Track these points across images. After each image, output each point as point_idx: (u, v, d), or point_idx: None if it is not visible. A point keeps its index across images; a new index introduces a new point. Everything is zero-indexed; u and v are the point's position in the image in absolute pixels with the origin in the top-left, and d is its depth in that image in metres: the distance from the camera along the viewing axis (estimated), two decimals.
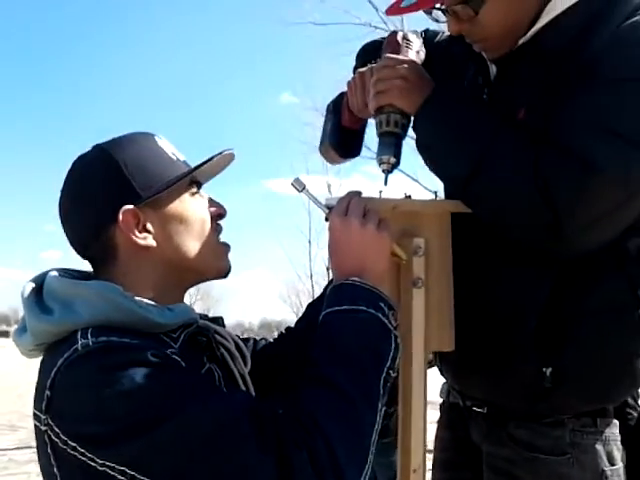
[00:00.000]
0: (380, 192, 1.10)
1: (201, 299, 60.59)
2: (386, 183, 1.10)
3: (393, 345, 0.89)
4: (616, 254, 1.01)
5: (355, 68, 1.31)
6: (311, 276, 24.10)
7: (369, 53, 1.22)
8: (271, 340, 1.23)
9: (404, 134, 1.09)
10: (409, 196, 1.24)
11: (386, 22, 9.16)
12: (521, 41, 1.05)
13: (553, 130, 0.95)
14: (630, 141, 0.89)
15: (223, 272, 1.00)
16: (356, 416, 0.81)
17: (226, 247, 1.02)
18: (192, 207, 0.96)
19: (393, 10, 1.06)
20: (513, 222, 0.98)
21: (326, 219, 1.00)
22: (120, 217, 0.89)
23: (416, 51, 1.16)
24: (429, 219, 1.09)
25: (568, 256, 0.99)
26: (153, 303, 0.89)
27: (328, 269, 22.02)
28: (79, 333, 0.82)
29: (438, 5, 1.05)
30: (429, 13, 1.09)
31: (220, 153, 0.97)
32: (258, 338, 1.21)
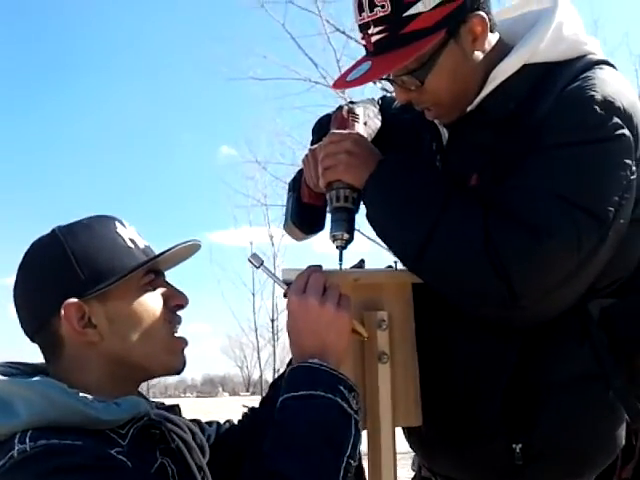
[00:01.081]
0: (340, 264, 1.08)
1: None
2: (341, 260, 1.07)
3: (353, 431, 0.85)
4: (579, 319, 1.00)
5: (312, 143, 1.31)
6: (255, 329, 23.71)
7: (324, 127, 1.21)
8: (235, 422, 1.18)
9: (356, 208, 1.08)
10: (363, 260, 1.23)
11: (325, 77, 9.39)
12: (469, 108, 1.06)
13: (502, 197, 0.96)
14: (578, 205, 0.91)
15: (175, 369, 0.95)
16: None
17: (182, 342, 0.96)
18: (143, 300, 0.91)
19: (339, 84, 1.06)
20: (466, 294, 0.97)
21: (285, 295, 0.96)
22: (62, 311, 0.86)
23: (363, 123, 1.16)
24: (391, 290, 1.07)
25: (526, 325, 0.98)
26: (98, 399, 0.83)
27: (273, 321, 21.82)
28: (17, 437, 0.78)
29: (385, 75, 1.06)
30: (377, 83, 1.10)
31: (182, 243, 0.95)
32: (222, 421, 1.16)
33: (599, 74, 0.98)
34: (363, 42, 1.04)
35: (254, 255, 0.98)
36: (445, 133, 1.14)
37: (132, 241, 0.93)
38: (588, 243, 0.91)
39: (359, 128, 1.14)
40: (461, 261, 0.94)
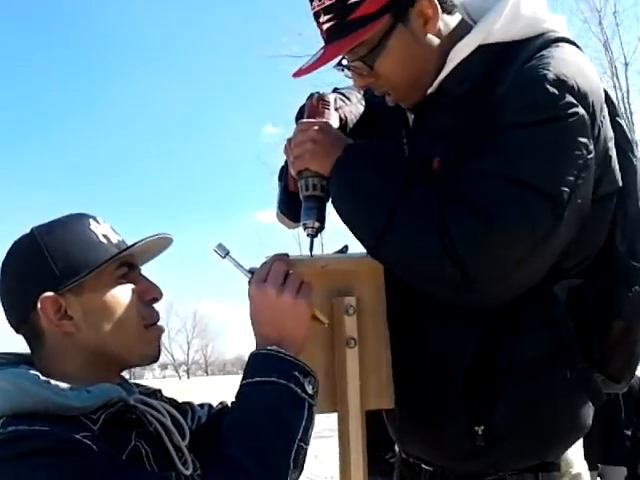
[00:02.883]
0: (311, 252, 1.09)
1: (197, 336, 60.44)
2: (311, 249, 1.09)
3: (305, 414, 0.88)
4: (542, 301, 0.99)
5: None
6: None
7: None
8: (229, 404, 1.21)
9: (326, 196, 1.08)
10: (346, 246, 1.24)
11: None
12: (429, 90, 1.05)
13: (458, 181, 0.95)
14: (530, 187, 0.89)
15: (148, 359, 0.99)
16: None
17: (156, 331, 1.00)
18: (116, 293, 0.96)
19: (298, 73, 1.07)
20: (423, 278, 0.97)
21: (249, 283, 0.99)
22: (39, 304, 0.91)
23: (335, 109, 1.16)
24: (361, 276, 1.08)
25: (486, 306, 0.98)
26: (70, 386, 0.88)
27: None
28: None
29: (345, 62, 1.07)
30: (341, 70, 1.11)
31: (151, 236, 0.98)
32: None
33: (555, 52, 0.96)
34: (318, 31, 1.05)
35: (219, 245, 1.01)
36: (411, 116, 1.14)
37: (105, 236, 0.98)
38: (542, 226, 0.89)
39: (330, 115, 1.14)
40: (417, 246, 0.94)
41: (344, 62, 1.07)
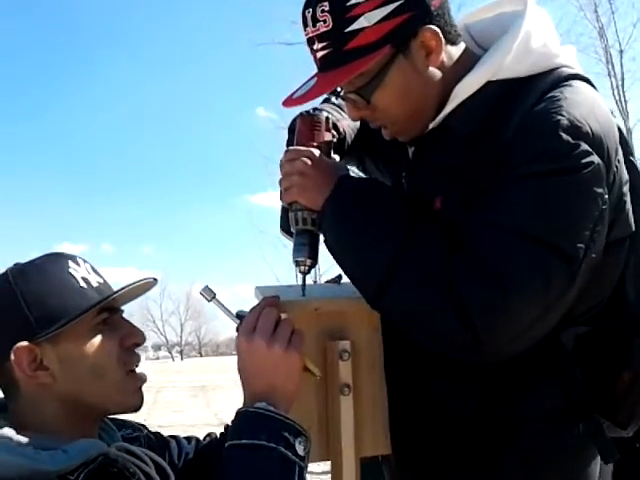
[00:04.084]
0: (303, 290, 1.04)
1: (191, 318, 60.46)
2: (304, 286, 1.04)
3: (296, 479, 0.83)
4: (548, 350, 0.94)
5: (287, 143, 1.26)
6: None
7: None
8: (218, 435, 1.19)
9: (319, 228, 1.02)
10: (340, 276, 1.18)
11: None
12: (431, 126, 0.99)
13: (467, 233, 0.89)
14: (548, 246, 0.83)
15: (131, 408, 0.94)
16: None
17: (137, 381, 0.95)
18: (95, 341, 0.90)
19: (288, 101, 1.00)
20: (429, 337, 0.92)
21: (237, 330, 0.94)
22: (12, 355, 0.86)
23: (327, 129, 1.09)
24: (357, 317, 1.03)
25: (493, 362, 0.93)
26: (44, 448, 0.83)
27: (314, 282, 21.92)
28: None
29: (339, 90, 1.00)
30: (334, 97, 1.05)
31: (136, 282, 0.93)
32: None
33: (567, 93, 0.89)
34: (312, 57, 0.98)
35: (206, 288, 0.95)
36: (411, 149, 1.08)
37: (85, 280, 0.92)
38: (557, 286, 0.84)
39: (321, 137, 1.06)
40: (423, 305, 0.87)
41: (338, 90, 1.00)
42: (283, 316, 0.97)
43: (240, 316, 0.94)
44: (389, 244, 0.90)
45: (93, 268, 0.96)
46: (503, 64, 0.94)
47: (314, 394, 1.00)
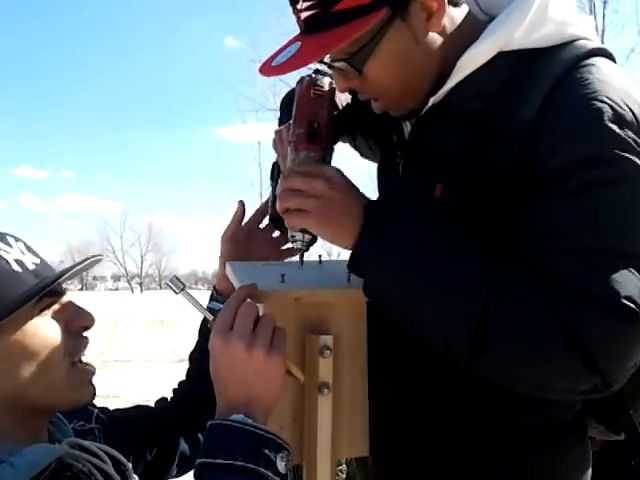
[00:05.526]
0: (282, 276, 0.92)
1: (152, 250, 60.00)
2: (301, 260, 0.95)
3: None
4: None
5: (280, 121, 1.11)
6: None
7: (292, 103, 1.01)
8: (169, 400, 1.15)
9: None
10: (319, 256, 1.08)
11: None
12: (431, 101, 0.86)
13: (549, 260, 0.75)
14: (635, 257, 0.73)
15: (81, 403, 0.83)
16: None
17: (86, 374, 0.83)
18: (37, 331, 0.78)
19: (266, 70, 0.85)
20: (548, 389, 0.77)
21: (210, 326, 0.82)
22: None
23: (330, 97, 0.96)
24: (341, 309, 0.92)
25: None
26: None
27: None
28: None
29: (326, 60, 0.86)
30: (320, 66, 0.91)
31: (79, 263, 0.82)
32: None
33: (597, 74, 0.77)
34: (294, 17, 0.83)
35: (174, 279, 0.83)
36: (407, 125, 0.95)
37: (19, 263, 0.78)
38: None
39: (324, 105, 0.94)
40: (536, 353, 0.73)
41: (325, 59, 0.86)
42: (261, 309, 0.85)
43: (213, 311, 0.82)
44: (472, 282, 0.75)
45: (27, 246, 0.82)
46: (516, 33, 0.81)
47: (289, 393, 0.90)
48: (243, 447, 0.73)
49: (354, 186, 0.84)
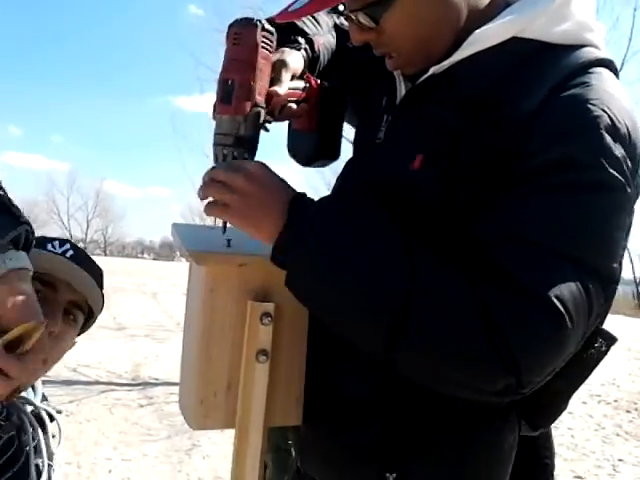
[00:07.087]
0: (229, 242, 0.91)
1: (99, 216, 58.43)
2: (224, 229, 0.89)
3: None
4: None
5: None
6: None
7: None
8: None
9: None
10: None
11: None
12: (432, 70, 0.85)
13: (493, 250, 0.74)
14: (587, 268, 0.72)
15: None
16: None
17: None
18: None
19: (283, 16, 0.83)
20: (458, 386, 0.76)
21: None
22: None
23: (281, 52, 0.91)
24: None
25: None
26: None
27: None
28: None
29: (342, 8, 0.85)
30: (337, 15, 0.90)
31: None
32: None
33: (602, 83, 0.78)
34: None
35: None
36: (402, 89, 0.93)
37: None
38: (595, 312, 0.74)
39: (265, 69, 0.85)
40: (453, 351, 0.72)
41: (341, 7, 0.85)
42: (202, 269, 0.84)
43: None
44: (391, 273, 0.73)
45: None
46: (534, 22, 0.81)
47: (227, 357, 0.90)
48: None
49: (279, 183, 0.81)
